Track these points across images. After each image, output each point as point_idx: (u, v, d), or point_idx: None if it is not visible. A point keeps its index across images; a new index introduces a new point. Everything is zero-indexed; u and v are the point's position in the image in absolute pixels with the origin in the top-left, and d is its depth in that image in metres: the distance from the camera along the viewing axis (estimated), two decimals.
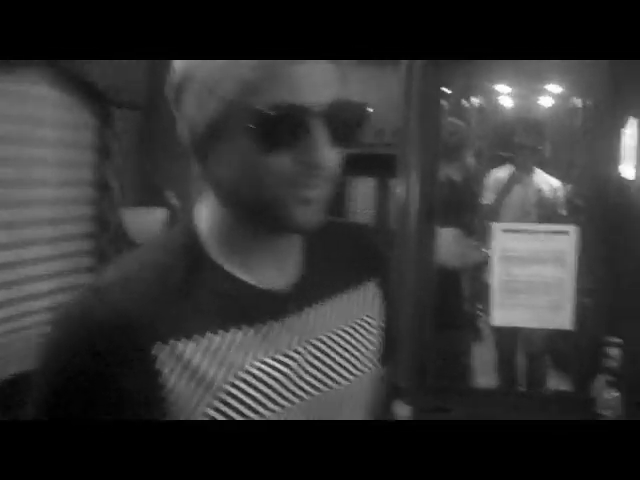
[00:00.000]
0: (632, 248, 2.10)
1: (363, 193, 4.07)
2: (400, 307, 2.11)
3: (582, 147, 5.20)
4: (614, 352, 3.90)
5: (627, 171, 4.32)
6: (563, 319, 2.09)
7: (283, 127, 0.76)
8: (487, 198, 3.66)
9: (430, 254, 2.16)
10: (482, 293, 2.28)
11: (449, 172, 2.68)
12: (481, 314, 2.61)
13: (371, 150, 3.50)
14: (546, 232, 2.09)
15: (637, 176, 2.01)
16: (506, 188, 3.61)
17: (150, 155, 2.73)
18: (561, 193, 3.86)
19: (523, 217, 3.58)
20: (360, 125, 0.83)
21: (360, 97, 0.79)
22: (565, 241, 2.07)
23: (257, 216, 0.82)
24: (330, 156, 0.79)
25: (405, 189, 2.13)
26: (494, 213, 3.53)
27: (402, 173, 2.14)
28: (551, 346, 3.76)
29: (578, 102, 5.46)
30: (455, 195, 2.71)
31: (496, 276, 2.11)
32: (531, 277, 2.09)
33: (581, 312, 2.00)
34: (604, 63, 4.24)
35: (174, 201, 2.61)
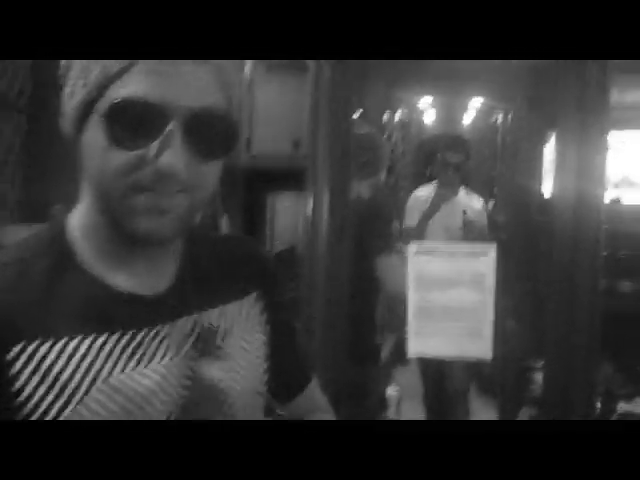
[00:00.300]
0: (553, 264, 1.96)
1: (284, 208, 3.85)
2: (310, 332, 1.94)
3: (503, 163, 5.19)
4: (537, 377, 3.77)
5: (547, 186, 4.29)
6: (483, 348, 1.94)
7: (135, 123, 0.73)
8: (409, 219, 3.52)
9: (340, 276, 1.98)
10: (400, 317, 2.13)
11: (362, 190, 2.51)
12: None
13: (289, 162, 3.31)
14: (464, 253, 1.94)
15: (556, 191, 1.87)
16: (431, 209, 3.44)
17: (37, 165, 2.49)
18: (485, 212, 3.74)
19: (449, 240, 3.43)
20: (225, 137, 0.79)
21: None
22: (484, 262, 1.92)
23: (110, 219, 0.78)
24: (185, 163, 0.74)
25: (313, 206, 1.95)
26: (418, 235, 3.38)
27: (311, 188, 1.96)
28: (474, 375, 3.65)
29: (499, 117, 5.45)
30: (371, 215, 2.53)
31: (411, 302, 1.94)
32: (449, 302, 1.94)
33: (502, 337, 1.88)
34: (525, 78, 4.19)
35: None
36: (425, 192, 3.65)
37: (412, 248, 1.94)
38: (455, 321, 1.94)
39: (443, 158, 3.52)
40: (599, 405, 3.37)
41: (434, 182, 3.66)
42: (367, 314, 2.51)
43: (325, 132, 1.95)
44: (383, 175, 2.74)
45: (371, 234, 2.42)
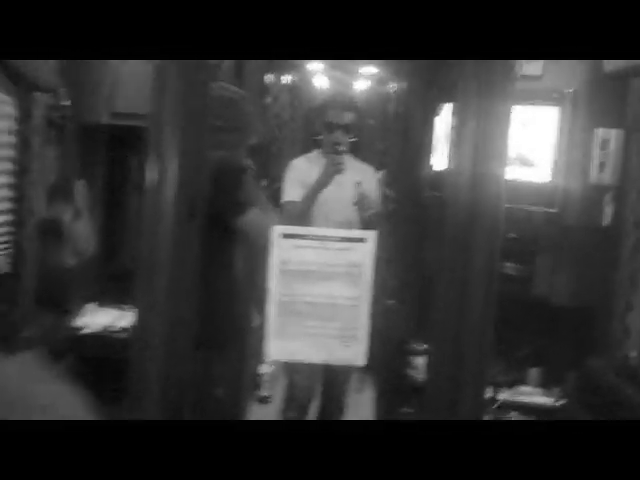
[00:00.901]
0: (447, 243, 1.66)
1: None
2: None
3: (395, 134, 4.93)
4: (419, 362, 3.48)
5: (439, 160, 4.07)
6: (356, 352, 1.64)
7: None
8: (291, 193, 3.02)
9: (191, 255, 1.61)
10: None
11: (226, 157, 2.15)
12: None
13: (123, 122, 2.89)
14: (339, 239, 1.61)
15: (450, 165, 1.58)
16: (321, 181, 2.93)
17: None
18: (378, 184, 3.35)
19: (342, 218, 3.03)
20: None
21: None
22: (361, 252, 1.60)
23: None
24: None
25: (157, 175, 1.57)
26: (303, 213, 2.92)
27: (154, 155, 1.57)
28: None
29: (393, 87, 5.17)
30: (233, 189, 2.18)
31: (273, 296, 1.61)
32: (318, 298, 1.61)
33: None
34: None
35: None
36: (307, 162, 3.18)
37: (276, 231, 1.60)
38: (325, 320, 1.62)
39: (330, 120, 3.05)
40: (488, 394, 3.20)
41: (317, 150, 3.21)
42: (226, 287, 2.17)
43: (174, 91, 1.56)
44: (253, 141, 2.36)
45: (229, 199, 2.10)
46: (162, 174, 1.57)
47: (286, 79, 5.02)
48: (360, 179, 3.05)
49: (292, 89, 5.15)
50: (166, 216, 1.58)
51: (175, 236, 1.59)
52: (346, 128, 3.05)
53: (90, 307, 3.06)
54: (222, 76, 3.22)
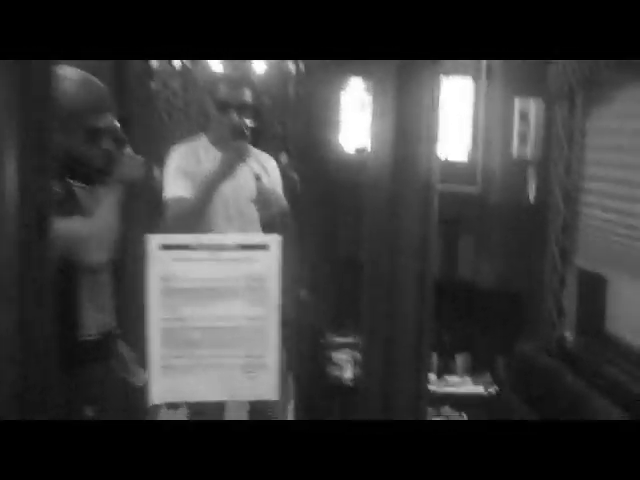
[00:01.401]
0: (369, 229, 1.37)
1: None
2: None
3: (297, 115, 4.59)
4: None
5: (346, 139, 3.78)
6: (266, 383, 1.31)
7: None
8: (174, 187, 2.44)
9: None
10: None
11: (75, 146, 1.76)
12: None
13: None
14: (235, 248, 1.27)
15: (372, 146, 1.27)
16: (218, 175, 2.39)
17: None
18: (279, 177, 2.72)
19: (240, 218, 2.52)
20: None
21: None
22: (264, 261, 1.27)
23: None
24: None
25: None
26: (198, 214, 2.38)
27: None
28: None
29: (292, 66, 4.83)
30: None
31: (153, 323, 1.26)
32: (213, 321, 1.28)
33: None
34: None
35: None
36: (190, 149, 2.57)
37: (152, 242, 1.25)
38: (223, 348, 1.29)
39: (224, 98, 2.50)
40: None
41: (202, 135, 2.62)
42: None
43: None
44: (109, 123, 1.92)
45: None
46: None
47: (177, 63, 4.59)
48: (259, 171, 2.49)
49: (183, 73, 4.73)
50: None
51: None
52: (243, 107, 2.52)
53: None
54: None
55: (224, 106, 2.51)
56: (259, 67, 5.34)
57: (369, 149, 1.24)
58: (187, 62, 4.79)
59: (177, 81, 4.50)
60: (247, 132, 2.50)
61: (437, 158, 1.24)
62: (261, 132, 3.16)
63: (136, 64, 3.37)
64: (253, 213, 2.49)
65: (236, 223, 2.48)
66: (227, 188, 2.46)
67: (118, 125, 1.91)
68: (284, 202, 2.58)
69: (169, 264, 1.25)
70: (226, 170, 2.40)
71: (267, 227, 2.49)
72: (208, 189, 2.40)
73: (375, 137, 1.23)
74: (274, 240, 1.26)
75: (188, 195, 2.40)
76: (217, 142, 2.55)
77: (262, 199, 2.46)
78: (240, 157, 2.41)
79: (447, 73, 3.09)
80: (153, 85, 3.75)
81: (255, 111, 2.64)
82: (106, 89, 1.89)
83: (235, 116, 2.51)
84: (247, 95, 2.55)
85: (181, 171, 2.46)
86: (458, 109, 3.18)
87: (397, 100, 1.21)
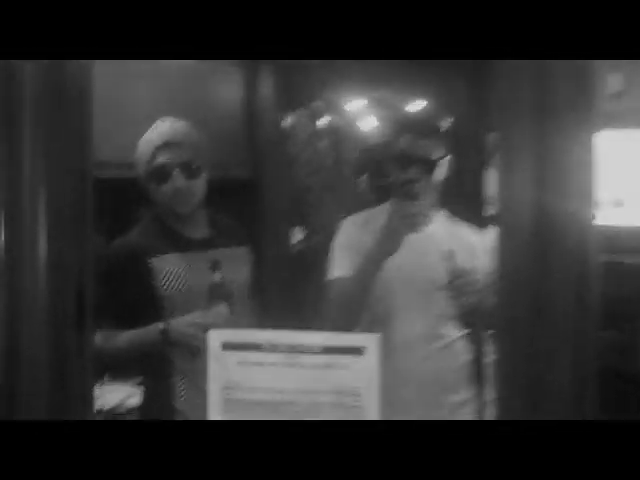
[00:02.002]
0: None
1: None
2: None
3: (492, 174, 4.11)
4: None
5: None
6: None
7: None
8: (338, 269, 1.86)
9: None
10: None
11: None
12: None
13: None
14: (319, 351, 0.94)
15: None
16: (383, 247, 1.72)
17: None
18: (483, 252, 1.90)
19: (423, 307, 1.86)
20: None
21: None
22: (356, 369, 0.93)
23: None
24: None
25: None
26: (354, 301, 1.77)
27: None
28: None
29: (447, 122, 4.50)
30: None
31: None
32: None
33: None
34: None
35: None
36: (365, 222, 1.94)
37: (213, 338, 0.94)
38: None
39: (405, 152, 1.87)
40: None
41: (385, 204, 1.97)
42: None
43: None
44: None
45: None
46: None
47: (323, 121, 4.39)
48: (454, 246, 1.84)
49: (330, 132, 4.52)
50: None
51: None
52: (428, 161, 1.87)
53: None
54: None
55: (404, 161, 1.89)
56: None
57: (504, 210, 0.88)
58: (334, 120, 4.58)
59: (322, 140, 4.29)
60: (423, 190, 1.84)
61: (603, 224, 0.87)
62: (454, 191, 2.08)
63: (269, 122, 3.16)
64: (442, 302, 1.83)
65: (418, 314, 1.86)
66: (407, 267, 1.83)
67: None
68: (488, 293, 1.74)
69: (232, 369, 0.94)
70: (392, 241, 1.71)
71: (464, 321, 1.86)
72: (367, 266, 1.76)
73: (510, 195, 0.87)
74: (371, 341, 0.92)
75: (349, 275, 1.81)
76: (396, 206, 1.87)
77: (455, 285, 1.78)
78: (413, 222, 1.71)
79: (616, 125, 2.62)
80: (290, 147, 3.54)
81: (447, 161, 1.95)
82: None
83: (416, 170, 1.86)
84: (438, 145, 1.93)
85: (346, 247, 1.88)
86: (635, 167, 2.69)
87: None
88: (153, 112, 1.89)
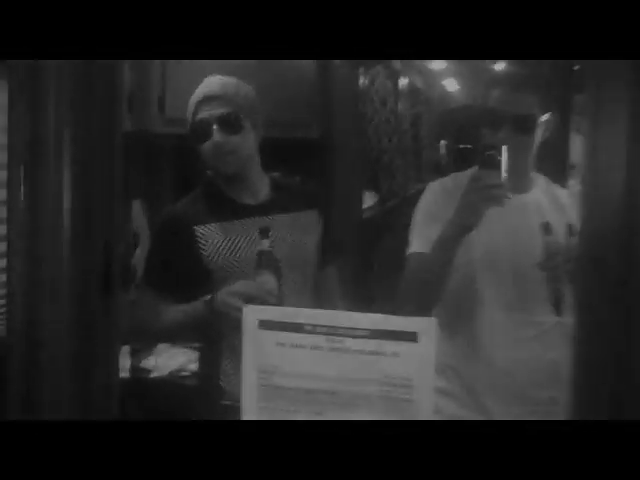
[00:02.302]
0: None
1: None
2: None
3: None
4: None
5: None
6: None
7: None
8: (418, 242, 1.62)
9: None
10: None
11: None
12: None
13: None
14: (365, 334, 0.82)
15: None
16: (463, 218, 1.49)
17: None
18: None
19: (519, 287, 1.61)
20: None
21: None
22: (408, 357, 0.81)
23: None
24: None
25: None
26: (433, 275, 1.56)
27: None
28: None
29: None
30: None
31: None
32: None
33: None
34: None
35: None
36: (446, 188, 1.68)
37: (249, 315, 0.84)
38: None
39: (496, 110, 1.60)
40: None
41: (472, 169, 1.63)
42: None
43: None
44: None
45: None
46: None
47: (402, 82, 4.21)
48: (550, 218, 1.60)
49: (409, 92, 4.32)
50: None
51: None
52: (521, 120, 1.60)
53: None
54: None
55: (495, 122, 1.63)
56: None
57: None
58: (411, 79, 4.38)
59: (399, 99, 4.11)
60: (526, 153, 1.62)
61: None
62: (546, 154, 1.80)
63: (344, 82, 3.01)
64: (537, 283, 1.57)
65: (512, 295, 1.62)
66: (496, 244, 1.62)
67: None
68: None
69: (270, 351, 0.84)
70: (472, 214, 1.49)
71: (560, 306, 1.59)
72: (445, 241, 1.53)
73: None
74: (426, 326, 0.80)
75: (428, 251, 1.58)
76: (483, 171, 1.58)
77: (553, 264, 1.54)
78: (495, 195, 1.47)
79: None
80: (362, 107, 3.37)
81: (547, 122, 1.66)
82: None
83: (507, 132, 1.60)
84: (532, 102, 1.64)
85: (429, 217, 1.66)
86: None
87: None
88: (220, 69, 1.78)
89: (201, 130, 1.61)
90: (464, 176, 1.64)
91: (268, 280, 1.46)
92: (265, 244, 1.50)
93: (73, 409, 0.88)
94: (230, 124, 1.60)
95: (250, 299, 1.37)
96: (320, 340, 0.82)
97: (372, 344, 0.81)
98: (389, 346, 0.81)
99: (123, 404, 0.95)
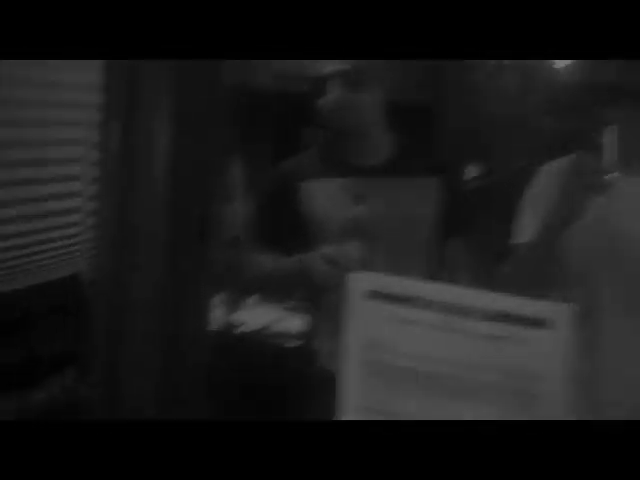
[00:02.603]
0: None
1: None
2: None
3: None
4: None
5: None
6: None
7: None
8: (524, 230, 1.47)
9: None
10: None
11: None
12: None
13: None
14: (493, 316, 0.73)
15: None
16: (565, 204, 1.33)
17: None
18: None
19: (630, 279, 1.39)
20: None
21: None
22: (543, 347, 0.71)
23: None
24: None
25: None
26: (535, 263, 1.40)
27: None
28: None
29: None
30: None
31: (350, 411, 0.77)
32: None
33: None
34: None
35: None
36: (555, 171, 1.46)
37: (356, 285, 0.76)
38: None
39: (615, 82, 1.41)
40: None
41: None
42: None
43: None
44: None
45: None
46: None
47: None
48: None
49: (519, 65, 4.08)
50: None
51: None
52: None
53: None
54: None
55: (614, 95, 1.44)
56: None
57: None
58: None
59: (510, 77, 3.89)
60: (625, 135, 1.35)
61: None
62: None
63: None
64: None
65: (623, 288, 1.41)
66: (609, 235, 1.42)
67: None
68: None
69: (378, 325, 0.75)
70: (566, 208, 1.33)
71: None
72: (548, 228, 1.37)
73: None
74: (561, 313, 0.69)
75: (533, 241, 1.43)
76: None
77: None
78: (592, 187, 1.30)
79: None
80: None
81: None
82: None
83: (627, 108, 1.41)
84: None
85: (538, 203, 1.47)
86: None
87: None
88: None
89: (319, 86, 1.55)
90: (570, 160, 1.42)
91: (355, 248, 1.38)
92: (358, 210, 1.42)
93: (162, 356, 0.85)
94: (352, 80, 1.53)
95: (334, 265, 1.31)
96: (436, 318, 0.73)
97: (496, 328, 0.71)
98: (515, 331, 0.71)
99: (212, 356, 0.93)
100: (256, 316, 2.58)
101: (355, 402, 0.77)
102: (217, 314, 2.43)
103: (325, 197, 1.55)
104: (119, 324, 0.86)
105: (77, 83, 2.21)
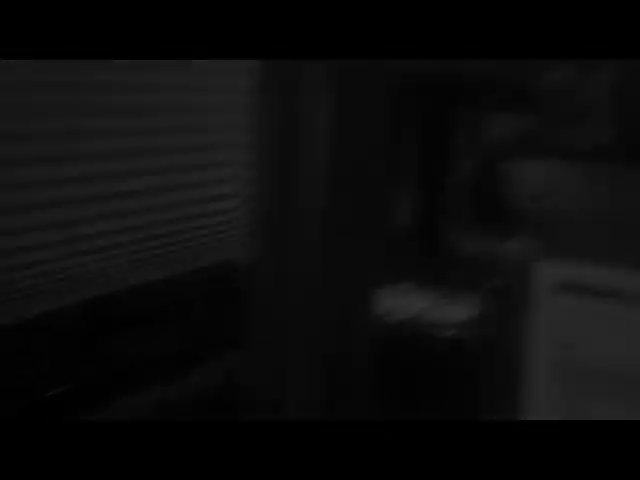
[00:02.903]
0: None
1: None
2: None
3: None
4: None
5: None
6: None
7: None
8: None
9: None
10: None
11: None
12: None
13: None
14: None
15: None
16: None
17: None
18: None
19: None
20: None
21: None
22: None
23: None
24: None
25: None
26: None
27: None
28: None
29: None
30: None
31: (541, 406, 0.68)
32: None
33: None
34: None
35: None
36: None
37: (545, 276, 0.66)
38: None
39: None
40: None
41: None
42: None
43: None
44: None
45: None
46: None
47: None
48: None
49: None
50: None
51: None
52: None
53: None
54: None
55: None
56: None
57: None
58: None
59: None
60: None
61: None
62: None
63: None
64: None
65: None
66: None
67: None
68: None
69: (572, 321, 0.65)
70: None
71: None
72: None
73: None
74: None
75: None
76: None
77: None
78: None
79: None
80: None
81: None
82: None
83: None
84: None
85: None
86: None
87: None
88: None
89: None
90: None
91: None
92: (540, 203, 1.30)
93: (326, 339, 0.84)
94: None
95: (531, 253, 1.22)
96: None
97: None
98: None
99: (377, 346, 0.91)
100: (410, 302, 2.52)
101: (543, 403, 0.68)
102: (383, 302, 2.40)
103: (538, 180, 1.47)
104: (280, 314, 0.84)
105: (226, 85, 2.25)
